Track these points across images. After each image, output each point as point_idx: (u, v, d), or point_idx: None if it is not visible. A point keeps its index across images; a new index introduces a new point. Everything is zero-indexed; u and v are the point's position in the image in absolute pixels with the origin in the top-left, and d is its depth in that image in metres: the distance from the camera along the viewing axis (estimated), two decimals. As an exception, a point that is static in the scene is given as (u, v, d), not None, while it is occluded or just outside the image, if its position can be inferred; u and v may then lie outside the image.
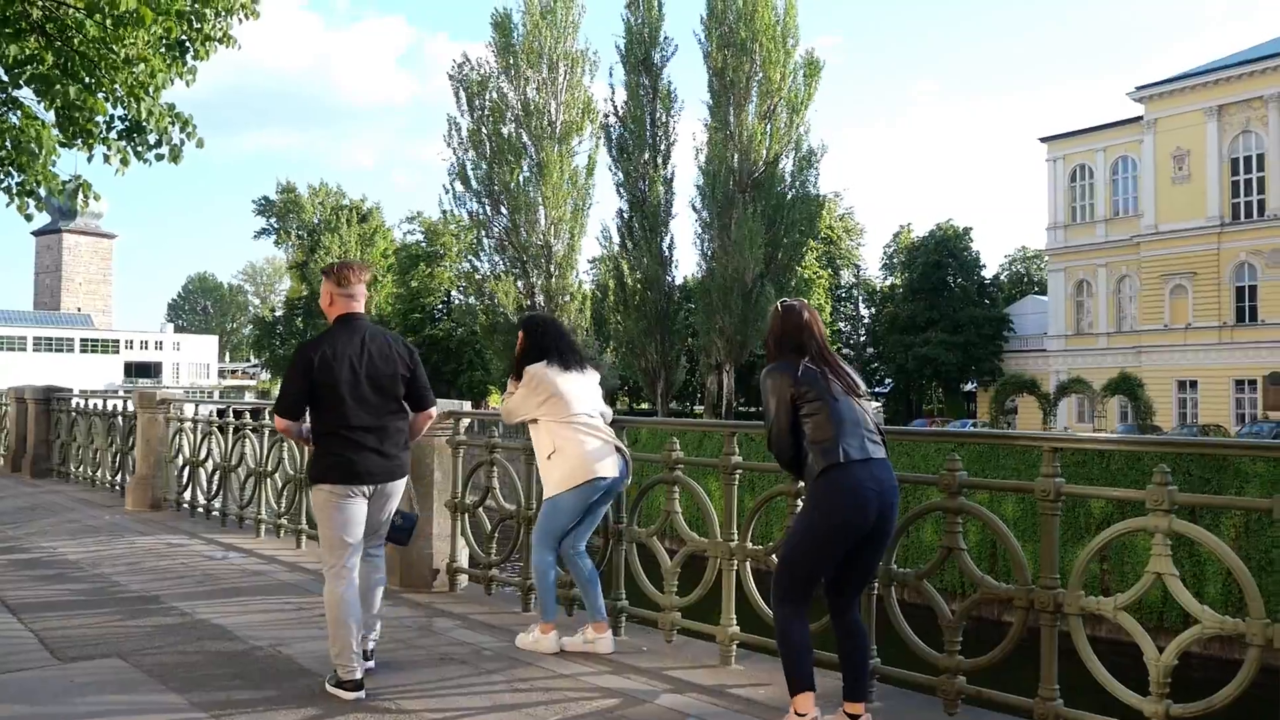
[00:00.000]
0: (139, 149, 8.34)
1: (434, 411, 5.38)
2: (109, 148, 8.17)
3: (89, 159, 8.11)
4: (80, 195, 9.08)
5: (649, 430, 28.42)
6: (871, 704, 4.36)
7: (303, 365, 4.87)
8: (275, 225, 76.83)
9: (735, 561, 5.30)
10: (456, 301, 65.10)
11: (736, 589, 5.31)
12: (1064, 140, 56.20)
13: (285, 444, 9.19)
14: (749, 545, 5.28)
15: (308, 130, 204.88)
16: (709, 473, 5.89)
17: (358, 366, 4.89)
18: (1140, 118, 51.92)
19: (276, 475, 9.36)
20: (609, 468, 5.41)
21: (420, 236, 70.77)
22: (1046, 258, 60.03)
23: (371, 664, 5.11)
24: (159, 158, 8.55)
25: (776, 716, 4.46)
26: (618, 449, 5.52)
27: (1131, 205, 53.00)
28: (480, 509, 7.06)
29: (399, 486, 5.19)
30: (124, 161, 8.21)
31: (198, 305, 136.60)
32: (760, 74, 46.86)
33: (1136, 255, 51.73)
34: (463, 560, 7.19)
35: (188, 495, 10.84)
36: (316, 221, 74.87)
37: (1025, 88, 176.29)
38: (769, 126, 47.38)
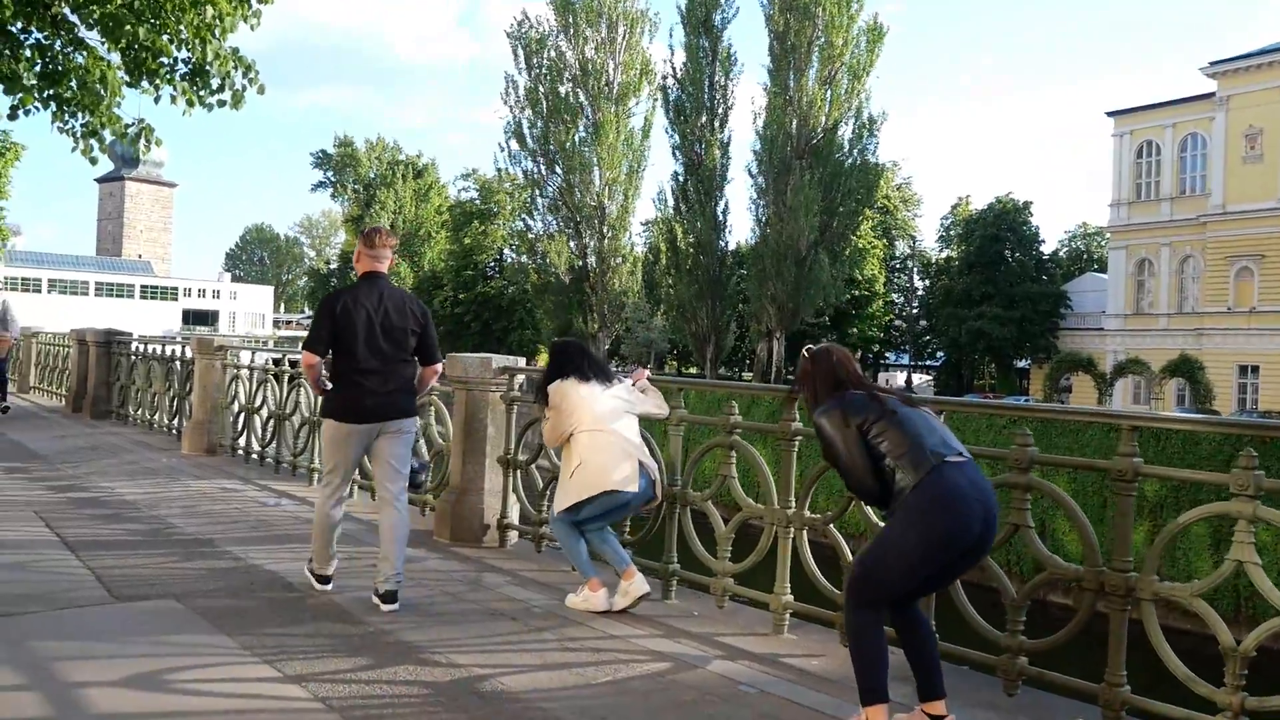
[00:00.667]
0: (202, 93, 8.33)
1: (440, 367, 6.01)
2: (174, 88, 8.17)
3: (155, 100, 8.12)
4: (143, 140, 9.09)
5: (697, 393, 28.29)
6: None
7: (328, 310, 5.53)
8: (332, 179, 77.27)
9: (792, 529, 5.21)
10: (509, 260, 65.20)
11: (792, 557, 5.22)
12: (1132, 115, 54.72)
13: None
14: (807, 513, 5.18)
15: (364, 88, 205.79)
16: (764, 438, 5.81)
17: (374, 316, 5.48)
18: (1212, 94, 50.36)
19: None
20: (629, 481, 5.45)
21: (475, 194, 70.86)
22: (1108, 235, 58.75)
23: (396, 605, 5.38)
24: (221, 103, 8.55)
25: (831, 689, 4.39)
26: (642, 463, 5.52)
27: (1199, 184, 51.57)
28: (533, 466, 7.02)
29: (403, 426, 5.68)
30: (189, 104, 8.22)
31: (254, 256, 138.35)
32: (822, 38, 46.08)
33: (1202, 235, 50.41)
34: (513, 516, 7.18)
35: (242, 441, 10.94)
36: (372, 176, 75.20)
37: (1093, 62, 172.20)
38: (829, 92, 46.67)
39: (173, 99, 8.23)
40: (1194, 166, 51.98)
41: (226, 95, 8.50)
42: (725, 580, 5.52)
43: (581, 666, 4.60)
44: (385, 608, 5.35)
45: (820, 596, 5.17)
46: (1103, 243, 67.77)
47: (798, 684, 4.47)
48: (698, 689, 4.36)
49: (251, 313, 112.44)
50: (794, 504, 5.23)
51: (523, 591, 5.90)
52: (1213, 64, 50.11)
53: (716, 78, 48.93)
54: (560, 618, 5.36)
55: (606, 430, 5.50)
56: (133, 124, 9.11)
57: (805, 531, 5.22)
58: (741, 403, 6.74)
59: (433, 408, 8.05)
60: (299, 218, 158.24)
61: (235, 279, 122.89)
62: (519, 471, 7.10)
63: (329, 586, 5.75)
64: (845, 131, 47.36)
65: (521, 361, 7.53)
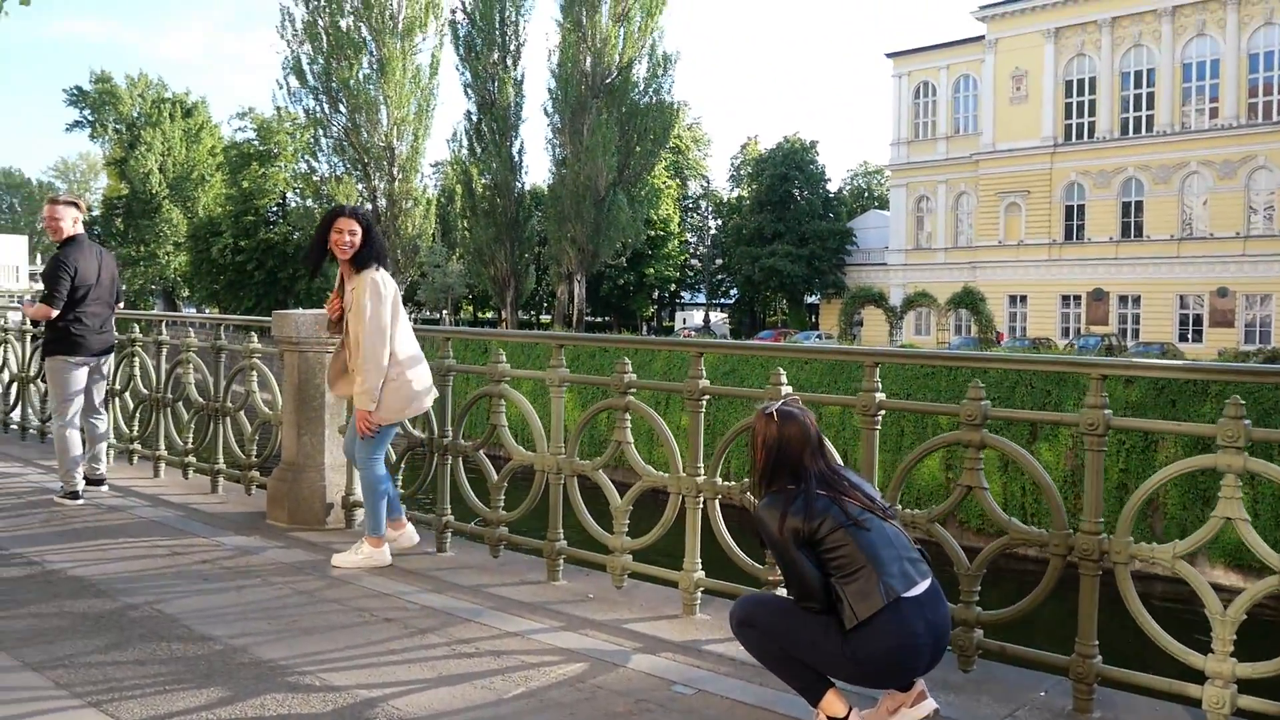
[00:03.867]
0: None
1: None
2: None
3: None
4: None
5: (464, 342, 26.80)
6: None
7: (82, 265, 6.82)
8: (90, 118, 70.68)
9: (702, 499, 4.67)
10: (293, 204, 61.70)
11: (703, 529, 4.70)
12: (909, 56, 56.83)
13: (137, 359, 8.04)
14: (719, 481, 4.65)
15: (121, 18, 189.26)
16: (666, 398, 5.25)
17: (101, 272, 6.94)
18: (982, 37, 52.88)
19: (127, 395, 8.19)
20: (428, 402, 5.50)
21: (252, 134, 66.42)
22: (889, 173, 61.14)
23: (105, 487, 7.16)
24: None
25: (769, 679, 3.90)
26: None
27: (972, 124, 54.19)
28: (382, 436, 6.20)
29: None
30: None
31: (3, 203, 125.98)
32: (614, -27, 45.31)
33: (975, 173, 53.12)
34: (359, 494, 6.35)
35: (16, 415, 9.51)
36: (136, 115, 69.28)
37: (875, 2, 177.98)
38: (623, 30, 46.03)
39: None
40: (967, 106, 54.57)
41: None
42: (624, 558, 4.95)
43: (485, 677, 3.94)
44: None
45: (732, 569, 4.68)
46: (883, 180, 70.47)
47: (732, 677, 3.96)
48: (627, 695, 3.79)
49: (4, 265, 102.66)
50: (704, 471, 4.69)
51: (389, 583, 5.14)
52: (982, 8, 52.52)
53: (508, 13, 47.41)
54: (443, 614, 4.65)
55: (419, 352, 5.44)
56: None
57: (717, 501, 4.69)
58: (570, 353, 6.05)
59: (255, 373, 7.07)
60: (53, 161, 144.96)
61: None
62: (365, 442, 6.26)
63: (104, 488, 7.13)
64: (640, 70, 46.90)
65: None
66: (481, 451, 5.67)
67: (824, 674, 3.26)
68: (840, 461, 3.55)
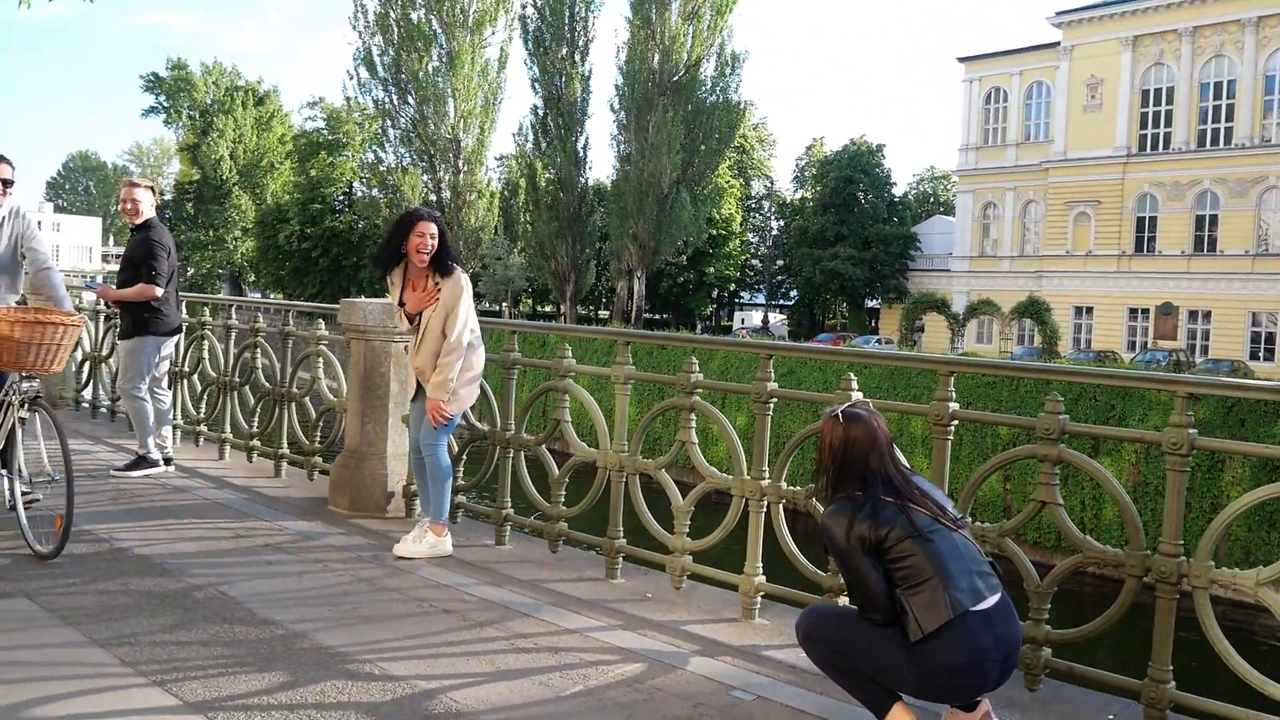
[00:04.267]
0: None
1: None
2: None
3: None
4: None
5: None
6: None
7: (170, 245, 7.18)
8: (165, 104, 72.02)
9: (766, 502, 4.62)
10: (359, 193, 62.46)
11: (766, 533, 4.64)
12: (981, 61, 55.99)
13: (206, 342, 8.18)
14: (784, 485, 4.59)
15: (203, 8, 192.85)
16: (728, 399, 5.20)
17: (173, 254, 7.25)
18: (1057, 44, 51.91)
19: (195, 377, 8.33)
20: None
21: (322, 124, 67.29)
22: (956, 178, 60.29)
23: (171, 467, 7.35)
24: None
25: (830, 688, 3.84)
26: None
27: (1043, 131, 53.26)
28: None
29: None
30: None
31: (79, 185, 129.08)
32: (685, -28, 45.22)
33: (1044, 181, 52.19)
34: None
35: (88, 394, 9.72)
36: (209, 102, 70.54)
37: (947, 6, 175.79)
38: (692, 28, 45.91)
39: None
40: (1039, 114, 53.64)
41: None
42: (684, 559, 4.91)
43: (543, 673, 3.92)
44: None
45: (793, 575, 4.63)
46: (949, 186, 69.57)
47: (793, 684, 3.90)
48: (685, 698, 3.75)
49: (78, 246, 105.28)
50: (768, 474, 4.63)
51: (448, 574, 5.16)
52: (1058, 14, 51.54)
53: (577, 9, 47.51)
54: (501, 608, 4.65)
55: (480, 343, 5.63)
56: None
57: (781, 505, 4.63)
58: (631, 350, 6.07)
59: (320, 359, 7.14)
60: (129, 145, 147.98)
61: (58, 209, 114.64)
62: (428, 432, 6.29)
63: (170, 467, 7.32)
64: (708, 69, 46.77)
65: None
66: (543, 446, 5.67)
67: (890, 688, 3.19)
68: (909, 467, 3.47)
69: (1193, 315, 46.53)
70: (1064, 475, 18.41)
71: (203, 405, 8.28)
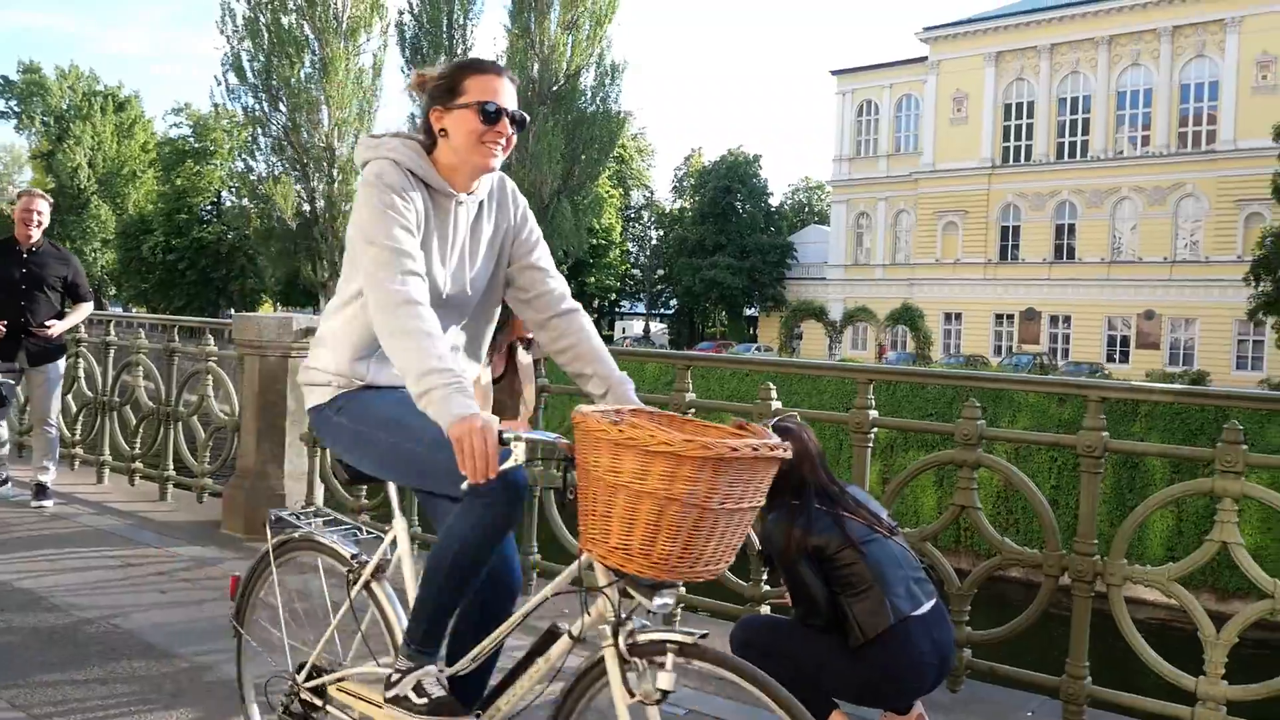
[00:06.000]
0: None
1: None
2: None
3: None
4: None
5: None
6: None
7: None
8: (16, 109, 68.68)
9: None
10: (228, 203, 60.58)
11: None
12: (853, 75, 57.58)
13: (80, 360, 7.77)
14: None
15: (71, 10, 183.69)
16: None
17: None
18: (925, 58, 53.76)
19: (69, 397, 7.90)
20: None
21: (188, 131, 65.09)
22: (830, 189, 61.80)
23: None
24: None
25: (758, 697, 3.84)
26: None
27: (913, 143, 55.06)
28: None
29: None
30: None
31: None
32: (564, -19, 45.25)
33: (914, 191, 53.93)
34: (320, 503, 6.18)
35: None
36: (66, 107, 67.42)
37: (821, 20, 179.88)
38: (571, 38, 45.95)
39: None
40: (908, 126, 55.44)
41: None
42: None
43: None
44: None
45: (715, 587, 4.62)
46: (824, 196, 71.22)
47: (721, 696, 3.88)
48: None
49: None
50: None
51: (358, 597, 4.98)
52: (926, 30, 53.41)
53: (455, 17, 47.08)
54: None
55: None
56: None
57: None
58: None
59: (210, 376, 6.85)
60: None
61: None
62: (327, 450, 6.09)
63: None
64: (587, 78, 46.84)
65: (299, 316, 6.35)
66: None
67: (829, 693, 3.21)
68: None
69: (1054, 320, 48.66)
70: (998, 482, 18.70)
71: (78, 427, 7.86)
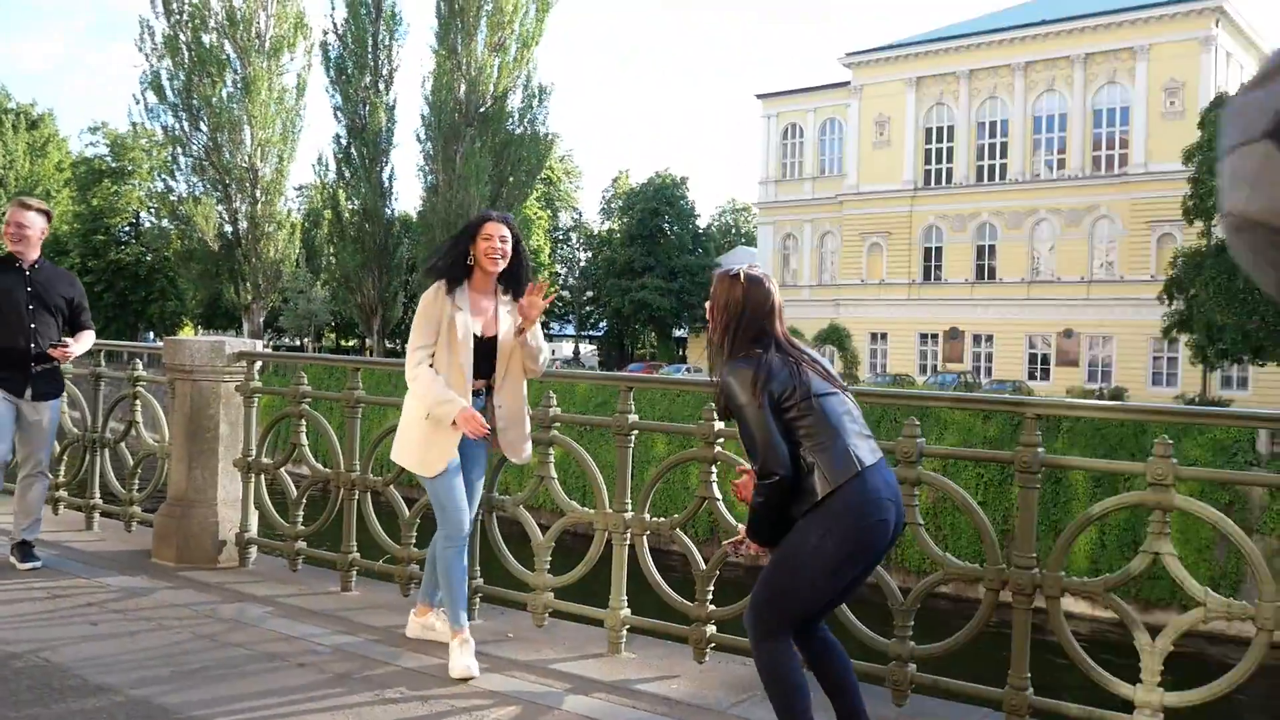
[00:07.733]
0: None
1: None
2: None
3: None
4: None
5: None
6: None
7: None
8: (-80, 127, 66.44)
9: (629, 536, 4.61)
10: (147, 224, 59.24)
11: (631, 567, 4.64)
12: (779, 98, 58.36)
13: None
14: (648, 518, 4.60)
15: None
16: (589, 431, 5.19)
17: None
18: (849, 83, 54.71)
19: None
20: None
21: (105, 150, 63.56)
22: (756, 210, 62.48)
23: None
24: None
25: (704, 717, 3.86)
26: None
27: (837, 165, 55.92)
28: (283, 470, 5.93)
29: None
30: None
31: None
32: (490, 4, 45.17)
33: (839, 213, 54.73)
34: (254, 529, 6.06)
35: None
36: (-27, 126, 65.47)
37: (747, 44, 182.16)
38: (498, 60, 45.89)
39: None
40: (833, 149, 56.31)
41: None
42: (546, 595, 4.84)
43: (416, 723, 3.77)
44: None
45: (653, 605, 4.65)
46: (751, 218, 71.98)
47: (669, 717, 3.90)
48: (567, 738, 3.68)
49: None
50: (631, 507, 4.63)
51: (297, 625, 4.90)
52: (849, 55, 54.38)
53: (381, 37, 46.79)
54: (362, 658, 4.45)
55: None
56: None
57: (644, 538, 4.64)
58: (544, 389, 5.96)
59: (138, 402, 6.69)
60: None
61: None
62: (263, 477, 5.98)
63: None
64: (515, 100, 46.80)
65: (232, 340, 6.18)
66: (391, 487, 5.48)
67: (816, 608, 3.31)
68: None
69: (977, 339, 49.66)
70: (926, 499, 19.27)
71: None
